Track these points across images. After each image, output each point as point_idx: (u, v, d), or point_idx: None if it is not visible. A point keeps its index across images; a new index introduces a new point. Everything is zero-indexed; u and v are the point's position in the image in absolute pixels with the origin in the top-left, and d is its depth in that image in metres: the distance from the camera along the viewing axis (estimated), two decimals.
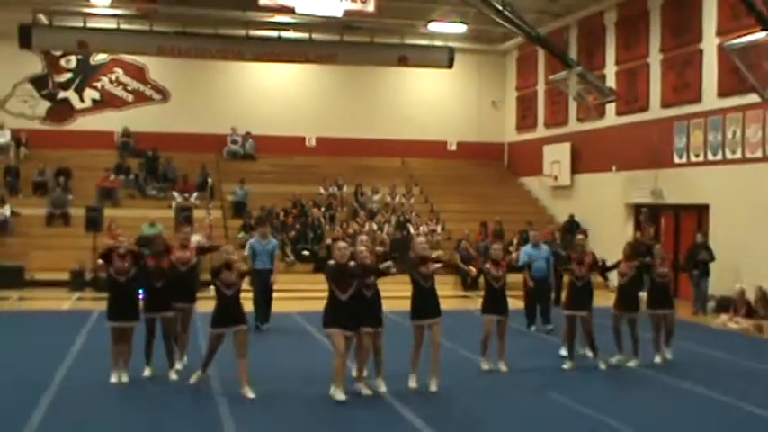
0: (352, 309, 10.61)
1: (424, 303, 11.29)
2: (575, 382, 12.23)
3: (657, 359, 13.74)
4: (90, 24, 27.00)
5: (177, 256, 12.78)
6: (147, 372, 12.07)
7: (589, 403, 10.75)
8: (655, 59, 24.69)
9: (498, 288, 12.78)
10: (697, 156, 22.75)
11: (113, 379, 11.60)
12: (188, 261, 12.83)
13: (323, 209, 28.84)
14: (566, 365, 13.09)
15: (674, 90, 23.80)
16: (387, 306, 11.45)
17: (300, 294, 19.98)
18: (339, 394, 10.47)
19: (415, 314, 11.32)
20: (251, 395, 10.70)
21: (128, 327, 11.72)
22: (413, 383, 11.29)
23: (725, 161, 21.73)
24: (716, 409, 10.97)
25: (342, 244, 11.12)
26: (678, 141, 23.41)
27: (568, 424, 10.00)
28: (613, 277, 14.28)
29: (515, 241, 26.97)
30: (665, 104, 24.13)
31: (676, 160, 23.50)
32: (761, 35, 18.20)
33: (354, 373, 11.11)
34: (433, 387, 11.16)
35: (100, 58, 31.20)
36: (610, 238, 25.88)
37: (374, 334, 10.97)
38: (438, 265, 11.63)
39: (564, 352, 13.49)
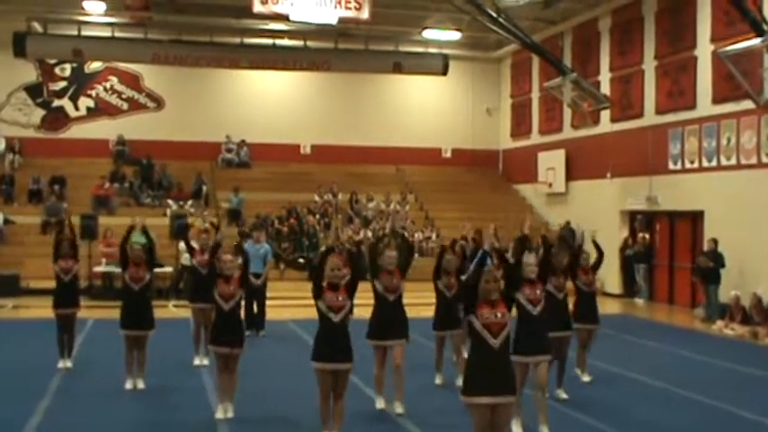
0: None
1: (533, 336, 9.61)
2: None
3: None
4: (84, 32, 26.98)
5: (198, 260, 13.68)
6: (61, 364, 12.98)
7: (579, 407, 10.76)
8: (649, 66, 24.72)
9: (450, 298, 11.60)
10: (692, 162, 22.78)
11: (128, 385, 11.71)
12: (207, 265, 13.27)
13: (318, 216, 28.81)
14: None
15: (669, 96, 23.83)
16: None
17: (295, 302, 19.95)
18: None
19: (521, 349, 9.52)
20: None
21: (142, 335, 11.79)
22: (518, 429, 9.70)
23: (720, 167, 21.74)
24: (697, 412, 11.03)
25: (228, 257, 10.52)
26: (673, 148, 23.45)
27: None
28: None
29: (511, 248, 26.97)
30: (660, 111, 24.15)
31: (671, 167, 23.55)
32: (755, 41, 18.25)
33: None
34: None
35: (94, 66, 31.17)
36: (605, 244, 25.85)
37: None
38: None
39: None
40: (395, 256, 10.56)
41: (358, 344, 9.16)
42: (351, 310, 8.91)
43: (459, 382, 11.30)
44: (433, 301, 11.91)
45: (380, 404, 10.75)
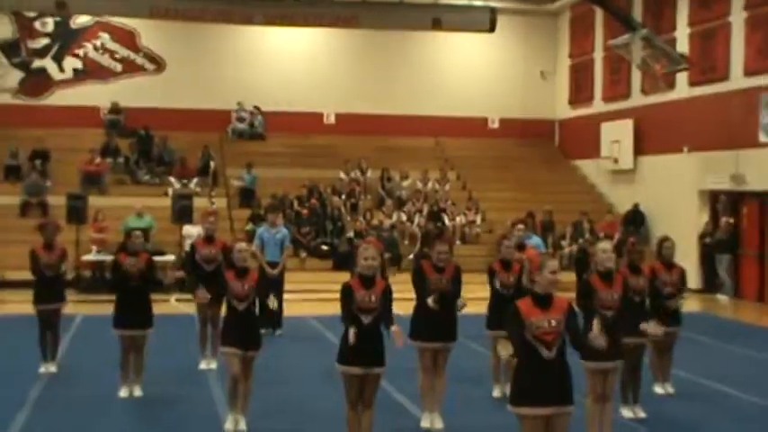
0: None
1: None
2: None
3: None
4: None
5: (202, 254, 13.57)
6: (43, 368, 12.97)
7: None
8: (737, 18, 24.43)
9: (508, 296, 11.08)
10: None
11: (123, 393, 11.70)
12: (214, 260, 13.46)
13: (344, 197, 28.80)
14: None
15: (761, 55, 23.53)
16: None
17: (317, 295, 19.93)
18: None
19: (591, 354, 8.96)
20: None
21: (139, 335, 11.75)
22: None
23: None
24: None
25: (242, 245, 10.52)
26: (764, 116, 23.15)
27: None
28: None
29: (568, 235, 26.99)
30: (749, 72, 23.90)
31: (762, 139, 23.24)
32: None
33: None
34: None
35: (82, 20, 31.28)
36: (681, 231, 25.70)
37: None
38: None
39: None
40: (446, 251, 10.42)
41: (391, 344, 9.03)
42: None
43: (496, 392, 11.61)
44: (480, 295, 11.77)
45: (426, 422, 10.39)
